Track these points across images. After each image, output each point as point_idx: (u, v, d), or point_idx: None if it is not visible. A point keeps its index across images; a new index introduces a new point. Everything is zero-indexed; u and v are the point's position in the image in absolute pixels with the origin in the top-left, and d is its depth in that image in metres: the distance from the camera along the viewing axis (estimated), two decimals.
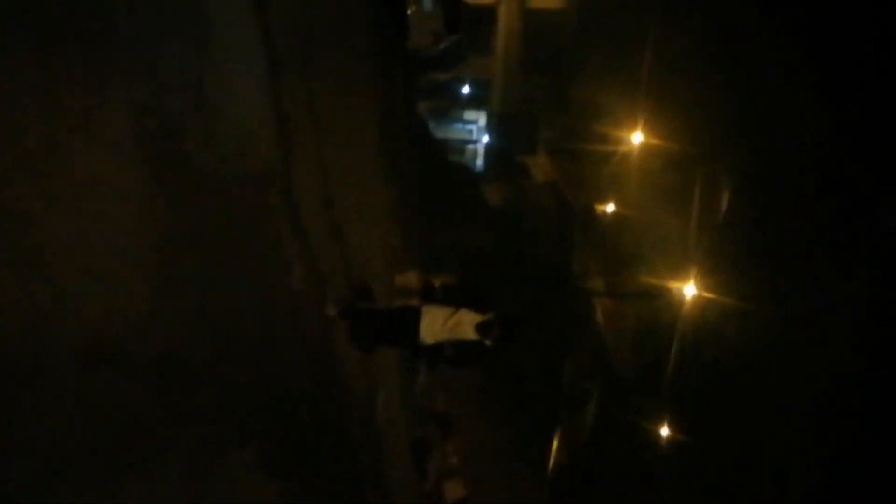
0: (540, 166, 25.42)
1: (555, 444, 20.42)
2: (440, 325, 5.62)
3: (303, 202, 6.79)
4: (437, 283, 6.05)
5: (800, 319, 15.40)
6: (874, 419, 14.08)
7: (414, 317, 5.72)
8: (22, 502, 3.50)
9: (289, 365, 6.26)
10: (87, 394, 3.75)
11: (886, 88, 13.63)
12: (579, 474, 20.03)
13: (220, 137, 5.24)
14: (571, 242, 22.95)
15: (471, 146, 27.43)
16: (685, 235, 20.47)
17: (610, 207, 23.90)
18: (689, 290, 18.75)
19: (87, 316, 3.73)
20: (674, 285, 19.54)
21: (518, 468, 17.49)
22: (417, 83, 19.92)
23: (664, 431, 20.33)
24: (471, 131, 27.56)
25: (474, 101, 26.89)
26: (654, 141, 21.04)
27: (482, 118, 27.16)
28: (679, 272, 19.35)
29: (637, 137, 21.39)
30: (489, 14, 24.70)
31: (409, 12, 12.98)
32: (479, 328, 5.49)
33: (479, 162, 27.09)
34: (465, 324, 5.57)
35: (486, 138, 26.93)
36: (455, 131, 27.44)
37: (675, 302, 19.52)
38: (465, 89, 26.30)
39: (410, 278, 6.63)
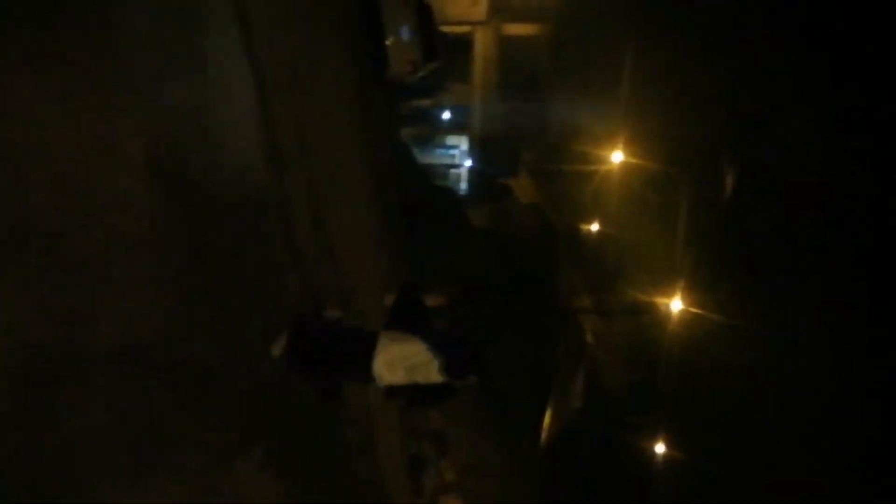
0: (523, 188, 25.74)
1: (548, 455, 20.59)
2: (398, 366, 5.10)
3: (296, 223, 7.33)
4: (432, 302, 6.00)
5: (788, 333, 15.37)
6: (866, 432, 14.09)
7: (369, 341, 5.22)
8: (58, 500, 3.79)
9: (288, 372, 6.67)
10: (117, 395, 4.18)
11: (875, 105, 13.63)
12: (572, 487, 20.16)
13: (220, 165, 5.77)
14: (557, 262, 23.04)
15: (454, 170, 27.52)
16: (670, 251, 20.83)
17: (594, 226, 24.37)
18: (676, 305, 18.90)
19: (115, 322, 4.18)
20: (660, 301, 19.73)
21: (513, 483, 17.62)
22: (399, 111, 20.40)
23: (659, 448, 20.59)
24: (453, 156, 27.72)
25: (456, 127, 27.13)
26: (634, 160, 21.34)
27: (464, 143, 27.41)
28: (665, 288, 19.55)
29: (617, 156, 21.73)
30: (466, 42, 25.33)
31: (387, 43, 13.45)
32: (447, 370, 4.99)
33: (463, 185, 27.21)
34: (422, 366, 5.05)
35: (468, 162, 27.20)
36: (438, 156, 27.52)
37: (662, 317, 19.73)
38: (446, 115, 26.54)
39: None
